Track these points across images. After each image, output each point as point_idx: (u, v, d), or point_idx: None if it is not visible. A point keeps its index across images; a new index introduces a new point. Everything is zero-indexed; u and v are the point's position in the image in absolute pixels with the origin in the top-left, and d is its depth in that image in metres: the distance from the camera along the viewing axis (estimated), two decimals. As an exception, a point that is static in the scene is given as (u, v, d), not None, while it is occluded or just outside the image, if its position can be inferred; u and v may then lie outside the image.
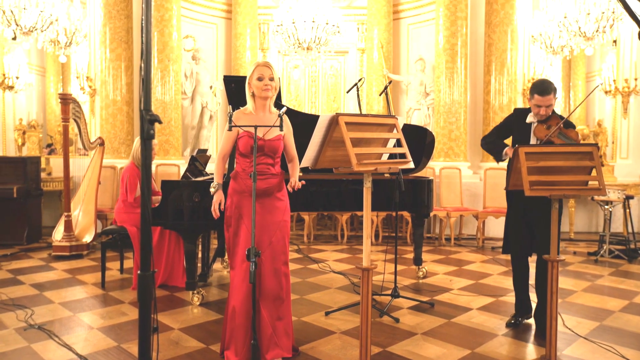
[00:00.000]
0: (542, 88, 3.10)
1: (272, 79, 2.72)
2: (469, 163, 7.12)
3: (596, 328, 3.37)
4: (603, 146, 7.35)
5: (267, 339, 2.69)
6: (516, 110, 3.53)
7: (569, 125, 3.18)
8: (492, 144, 3.43)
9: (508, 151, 3.26)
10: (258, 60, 2.81)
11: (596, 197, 5.59)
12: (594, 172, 2.55)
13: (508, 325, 3.36)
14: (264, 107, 2.78)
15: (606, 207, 5.69)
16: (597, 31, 5.88)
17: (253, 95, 2.76)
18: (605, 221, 5.74)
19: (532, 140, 3.23)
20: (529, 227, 3.28)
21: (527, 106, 3.68)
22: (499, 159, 3.35)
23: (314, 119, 3.98)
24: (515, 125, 3.35)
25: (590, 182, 2.60)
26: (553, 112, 3.18)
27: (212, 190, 2.83)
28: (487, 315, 3.62)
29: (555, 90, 3.13)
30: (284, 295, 2.75)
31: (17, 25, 5.80)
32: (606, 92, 7.35)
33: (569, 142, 3.01)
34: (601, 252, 5.63)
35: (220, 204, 2.81)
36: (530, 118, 3.25)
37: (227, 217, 2.80)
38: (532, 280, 3.41)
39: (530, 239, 3.31)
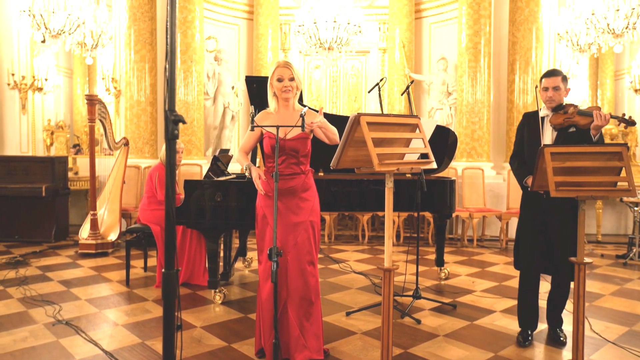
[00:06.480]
0: (549, 71, 3.10)
1: (292, 79, 2.71)
2: (492, 163, 7.01)
3: (625, 333, 3.28)
4: (632, 146, 7.15)
5: (294, 340, 2.68)
6: (525, 114, 3.36)
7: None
8: (518, 169, 3.24)
9: (528, 181, 3.07)
10: (279, 61, 2.78)
11: (625, 199, 5.44)
12: (623, 173, 2.48)
13: (522, 344, 3.05)
14: (287, 106, 2.78)
15: (636, 208, 5.53)
16: (626, 28, 5.71)
17: (275, 95, 2.77)
18: (634, 223, 5.58)
19: (547, 132, 3.05)
20: (545, 240, 3.08)
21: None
22: (521, 184, 3.20)
23: (335, 118, 3.98)
24: (526, 126, 3.21)
25: (619, 183, 2.53)
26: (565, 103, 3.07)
27: (246, 173, 2.81)
28: (510, 317, 3.55)
29: (564, 77, 3.04)
30: (312, 296, 2.73)
31: (47, 28, 5.98)
32: (636, 91, 7.15)
33: (589, 113, 2.86)
34: (630, 255, 5.47)
35: (260, 177, 2.71)
36: (543, 112, 3.11)
37: (256, 216, 2.83)
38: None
39: (545, 255, 3.09)
